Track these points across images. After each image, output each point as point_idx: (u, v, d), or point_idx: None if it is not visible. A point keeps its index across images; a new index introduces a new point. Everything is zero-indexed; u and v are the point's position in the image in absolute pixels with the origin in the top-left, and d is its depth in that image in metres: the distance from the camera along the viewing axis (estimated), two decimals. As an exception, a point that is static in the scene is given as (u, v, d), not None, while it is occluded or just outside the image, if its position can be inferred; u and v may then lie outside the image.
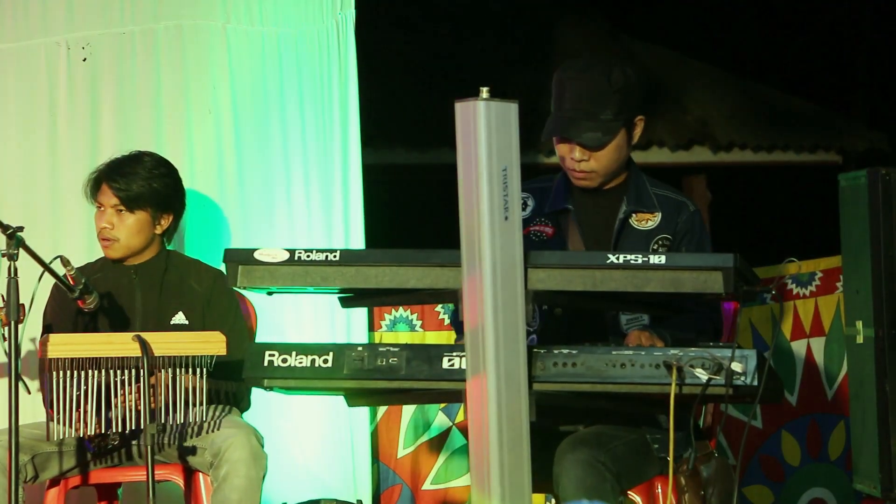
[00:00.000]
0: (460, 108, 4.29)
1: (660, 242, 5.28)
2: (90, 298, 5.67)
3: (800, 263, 6.76)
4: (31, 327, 5.76)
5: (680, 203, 5.35)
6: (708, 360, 4.47)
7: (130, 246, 5.96)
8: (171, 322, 5.94)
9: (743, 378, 4.47)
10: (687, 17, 15.37)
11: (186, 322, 5.94)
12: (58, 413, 5.45)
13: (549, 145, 5.07)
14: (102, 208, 5.94)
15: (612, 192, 5.33)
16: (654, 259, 4.48)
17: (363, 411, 6.54)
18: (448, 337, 6.26)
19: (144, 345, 5.41)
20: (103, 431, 5.50)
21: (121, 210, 5.92)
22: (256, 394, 5.93)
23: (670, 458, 4.67)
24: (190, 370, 5.50)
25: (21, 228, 5.37)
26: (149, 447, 5.37)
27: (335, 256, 4.65)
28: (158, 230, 5.99)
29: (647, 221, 5.31)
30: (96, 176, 5.96)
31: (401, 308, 6.64)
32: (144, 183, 5.93)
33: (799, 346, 6.74)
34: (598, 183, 5.29)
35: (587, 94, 5.19)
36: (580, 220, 5.32)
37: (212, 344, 5.52)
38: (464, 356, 4.42)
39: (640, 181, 5.35)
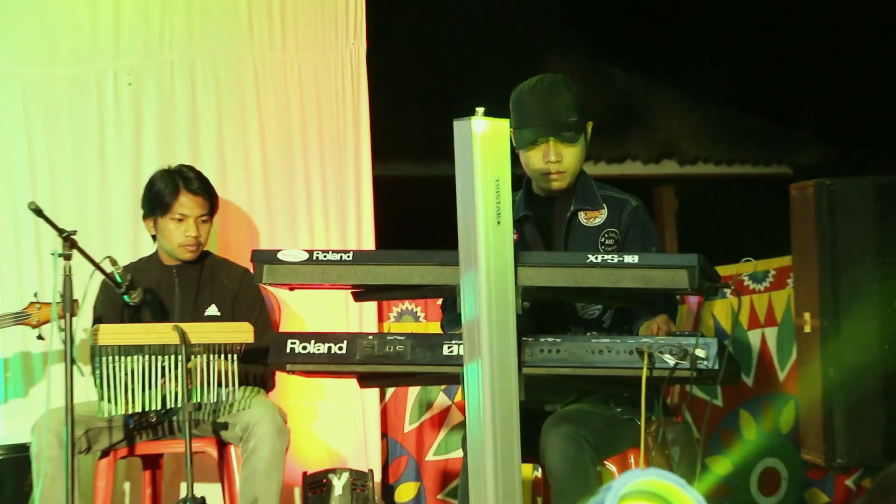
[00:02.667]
0: (458, 126, 4.30)
1: (607, 236, 5.30)
2: (135, 293, 5.68)
3: (755, 263, 6.76)
4: (84, 319, 5.79)
5: (623, 200, 5.36)
6: (675, 346, 4.48)
7: (203, 248, 6.00)
8: (205, 314, 5.95)
9: (706, 363, 4.48)
10: (657, 47, 15.34)
11: (218, 314, 5.95)
12: (107, 393, 5.47)
13: (514, 157, 5.10)
14: (185, 219, 5.92)
15: (564, 196, 5.35)
16: (628, 259, 4.50)
17: (373, 392, 6.54)
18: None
19: (182, 334, 5.42)
20: (146, 409, 5.52)
21: (204, 219, 5.93)
22: (280, 376, 5.94)
23: (642, 433, 4.68)
24: (222, 356, 5.51)
25: (74, 232, 5.38)
26: (187, 423, 5.38)
27: (349, 257, 4.65)
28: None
29: (594, 218, 5.33)
30: (174, 187, 5.93)
31: (406, 301, 6.64)
32: (213, 192, 5.97)
33: (754, 335, 6.74)
34: (567, 183, 5.29)
35: (554, 102, 5.22)
36: (538, 224, 5.34)
37: (241, 333, 5.53)
38: (461, 344, 4.42)
39: (587, 184, 5.37)
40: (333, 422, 6.59)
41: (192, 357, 5.47)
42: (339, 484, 6.22)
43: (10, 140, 6.42)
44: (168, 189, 5.93)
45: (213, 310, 5.97)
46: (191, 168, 6.02)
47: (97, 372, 5.49)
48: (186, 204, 5.92)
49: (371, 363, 4.68)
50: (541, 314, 5.18)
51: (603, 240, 5.29)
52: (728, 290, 6.41)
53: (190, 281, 6.00)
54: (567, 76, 5.34)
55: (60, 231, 5.37)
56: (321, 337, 4.70)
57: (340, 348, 4.67)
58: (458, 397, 6.55)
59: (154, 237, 6.01)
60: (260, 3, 6.68)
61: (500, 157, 4.29)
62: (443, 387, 6.56)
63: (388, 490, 6.62)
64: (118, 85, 6.55)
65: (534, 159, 5.27)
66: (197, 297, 5.98)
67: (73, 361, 5.27)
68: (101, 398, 5.50)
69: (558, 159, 5.25)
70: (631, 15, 15.62)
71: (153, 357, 5.46)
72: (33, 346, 6.27)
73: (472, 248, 4.27)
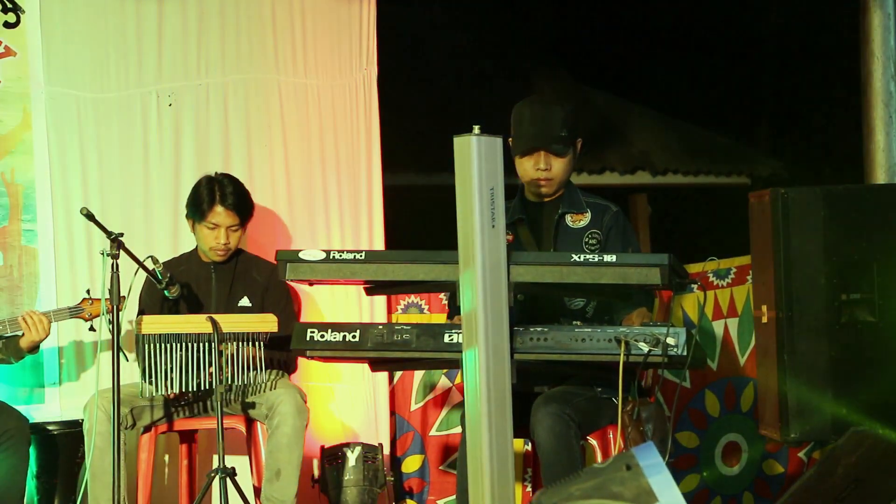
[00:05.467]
0: (458, 141, 4.28)
1: (590, 236, 5.31)
2: (174, 289, 5.67)
3: (719, 261, 6.75)
4: (129, 311, 5.76)
5: (605, 206, 5.39)
6: (648, 335, 4.47)
7: (233, 251, 5.98)
8: (238, 305, 5.94)
9: (675, 349, 4.47)
10: (632, 72, 15.34)
11: (250, 305, 5.94)
12: (149, 376, 5.45)
13: (509, 169, 5.10)
14: (216, 227, 5.91)
15: (553, 202, 5.37)
16: (608, 258, 4.49)
17: (383, 375, 6.52)
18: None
19: (215, 324, 5.41)
20: (184, 390, 5.50)
21: (235, 229, 5.92)
22: (301, 361, 5.92)
23: (619, 411, 4.66)
24: (250, 343, 5.50)
25: (121, 234, 5.37)
26: (219, 402, 5.37)
27: (361, 256, 4.64)
28: (243, 235, 6.02)
29: (579, 221, 5.35)
30: (210, 200, 5.92)
31: (412, 295, 6.61)
32: (246, 202, 5.95)
33: (718, 325, 6.71)
34: (553, 189, 5.32)
35: (548, 118, 5.23)
36: (530, 226, 5.35)
37: (267, 323, 5.52)
38: (461, 333, 4.40)
39: (573, 192, 5.39)
40: (348, 401, 6.57)
41: (224, 344, 5.45)
42: (352, 456, 6.19)
43: (66, 153, 6.40)
44: (206, 199, 5.92)
45: (245, 301, 5.96)
46: (232, 180, 5.99)
47: (140, 358, 5.48)
48: (220, 215, 5.90)
49: (381, 350, 4.66)
50: (532, 306, 5.17)
51: (587, 240, 5.29)
52: (695, 286, 6.39)
53: (225, 275, 5.99)
54: (563, 100, 5.35)
55: (109, 233, 5.36)
56: (337, 327, 4.68)
57: (354, 337, 4.66)
58: (457, 380, 6.53)
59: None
60: (284, 34, 6.67)
61: (495, 169, 4.28)
62: (444, 371, 6.53)
63: (395, 462, 6.60)
64: (160, 105, 6.54)
65: (526, 166, 5.29)
66: (231, 289, 5.97)
67: (119, 349, 5.26)
68: (144, 381, 5.49)
69: (547, 167, 5.26)
70: (608, 43, 15.63)
71: (190, 344, 5.45)
72: (85, 336, 6.25)
73: (470, 248, 4.25)
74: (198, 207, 5.93)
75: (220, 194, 5.91)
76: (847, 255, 5.49)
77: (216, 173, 6.05)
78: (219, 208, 5.90)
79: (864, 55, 6.68)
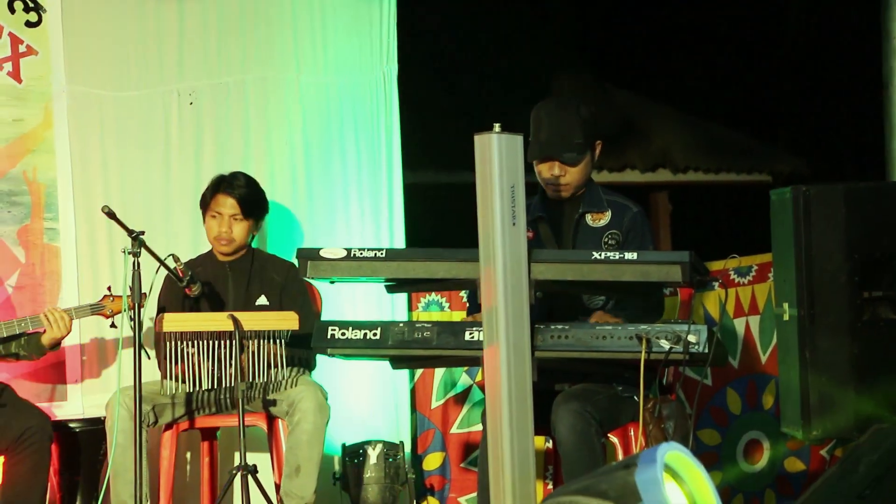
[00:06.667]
0: (478, 139, 4.28)
1: (610, 236, 5.30)
2: (195, 287, 5.66)
3: (740, 259, 6.72)
4: (150, 309, 5.77)
5: (625, 206, 5.37)
6: (670, 333, 4.47)
7: (239, 245, 5.97)
8: (256, 304, 5.93)
9: (697, 347, 4.46)
10: (654, 71, 15.32)
11: (267, 303, 5.93)
12: (170, 373, 5.45)
13: (530, 166, 5.09)
14: (219, 216, 5.92)
15: (574, 200, 5.35)
16: (628, 255, 4.48)
17: (404, 373, 6.52)
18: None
19: (236, 322, 5.40)
20: (205, 388, 5.50)
21: (237, 217, 5.91)
22: (321, 359, 5.91)
23: (641, 409, 4.65)
24: (271, 341, 5.49)
25: (142, 233, 5.37)
26: (240, 400, 5.37)
27: (382, 254, 4.63)
28: (255, 233, 6.00)
29: (599, 220, 5.33)
30: (214, 189, 5.94)
31: (433, 293, 6.60)
32: (257, 196, 5.94)
33: (739, 323, 6.69)
34: (569, 193, 5.31)
35: (563, 124, 5.22)
36: (551, 224, 5.33)
37: (288, 321, 5.51)
38: (481, 330, 4.39)
39: (595, 190, 5.37)
40: (369, 399, 6.56)
41: (245, 342, 5.45)
42: (373, 454, 6.19)
43: (87, 152, 6.42)
44: (211, 189, 5.95)
45: (262, 300, 5.95)
46: (243, 175, 6.00)
47: (161, 355, 5.49)
48: (220, 202, 5.91)
49: (402, 347, 4.66)
50: (552, 303, 5.15)
51: (606, 239, 5.28)
52: (716, 283, 6.37)
53: (241, 275, 5.98)
54: (582, 100, 5.32)
55: (130, 231, 5.36)
56: (358, 324, 4.69)
57: (375, 334, 4.66)
58: (478, 377, 6.52)
59: None
60: (304, 33, 6.67)
61: (515, 167, 4.27)
62: (465, 368, 6.53)
63: (417, 459, 6.59)
64: (181, 104, 6.54)
65: (542, 170, 5.28)
66: (248, 288, 5.97)
67: (141, 347, 5.26)
68: (165, 378, 5.49)
69: (562, 174, 5.25)
70: (631, 42, 15.61)
71: (210, 342, 5.45)
72: (107, 333, 6.26)
73: (491, 246, 4.24)
74: (204, 198, 5.97)
75: (224, 184, 5.93)
76: (869, 252, 5.46)
77: (228, 172, 6.06)
78: (221, 197, 5.91)
79: (885, 51, 6.65)
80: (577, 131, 5.21)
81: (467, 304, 5.84)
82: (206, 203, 5.97)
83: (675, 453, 3.35)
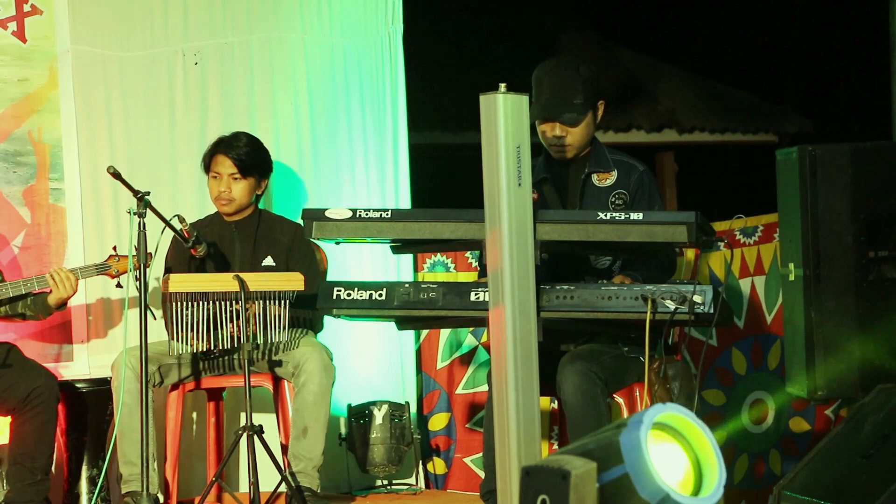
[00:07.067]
0: (484, 99, 4.26)
1: (616, 196, 5.29)
2: (200, 248, 5.66)
3: (746, 219, 6.72)
4: (156, 269, 5.76)
5: (632, 165, 5.36)
6: (675, 293, 4.46)
7: (242, 204, 5.96)
8: (262, 265, 5.93)
9: (702, 307, 4.46)
10: (659, 29, 15.28)
11: (274, 264, 5.93)
12: (176, 334, 5.46)
13: (535, 127, 5.09)
14: (219, 176, 5.92)
15: (579, 161, 5.34)
16: (634, 216, 4.48)
17: (409, 333, 6.52)
18: (474, 276, 6.23)
19: (242, 282, 5.40)
20: (210, 348, 5.51)
21: (236, 177, 5.90)
22: (327, 320, 5.91)
23: (646, 369, 4.65)
24: (277, 302, 5.49)
25: (148, 193, 5.36)
26: (245, 360, 5.37)
27: (388, 214, 4.63)
28: (258, 192, 5.99)
29: (605, 180, 5.32)
30: (213, 150, 5.95)
31: (438, 254, 6.60)
32: (254, 155, 5.93)
33: (745, 283, 6.69)
34: (572, 154, 5.30)
35: (563, 85, 5.20)
36: (556, 185, 5.33)
37: (293, 282, 5.51)
38: (487, 291, 4.39)
39: (600, 150, 5.36)
40: (374, 360, 6.57)
41: (251, 303, 5.45)
42: (379, 414, 6.21)
43: (92, 112, 6.41)
44: (209, 151, 5.96)
45: (268, 261, 5.95)
46: (241, 135, 5.99)
47: (167, 316, 5.49)
48: (219, 163, 5.92)
49: (407, 308, 4.67)
50: (557, 264, 5.15)
51: (613, 199, 5.27)
52: (722, 244, 6.37)
53: (247, 235, 5.98)
54: (583, 59, 5.30)
55: (136, 192, 5.35)
56: (363, 285, 4.69)
57: (380, 295, 4.66)
58: (483, 338, 6.52)
59: None
60: (309, -8, 6.65)
61: (521, 127, 4.26)
62: (471, 329, 6.53)
63: (422, 420, 6.60)
64: (186, 64, 6.53)
65: (544, 132, 5.27)
66: (254, 249, 5.96)
67: (147, 307, 5.26)
68: (171, 339, 5.49)
69: (563, 135, 5.24)
70: (638, 1, 15.56)
71: (216, 303, 5.45)
72: (112, 294, 6.27)
73: (496, 206, 4.23)
74: (204, 159, 5.99)
75: (223, 145, 5.93)
76: (875, 212, 5.46)
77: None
78: (219, 157, 5.92)
79: (892, 11, 6.63)
80: (578, 92, 5.20)
81: (478, 269, 5.83)
82: (206, 164, 5.97)
83: (672, 414, 3.35)
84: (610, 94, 5.39)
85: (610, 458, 3.24)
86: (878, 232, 5.46)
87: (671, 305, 4.46)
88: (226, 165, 5.90)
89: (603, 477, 3.23)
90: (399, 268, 6.56)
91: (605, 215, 4.49)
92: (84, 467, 5.95)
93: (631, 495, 3.21)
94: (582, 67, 5.25)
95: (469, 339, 6.60)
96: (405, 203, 6.63)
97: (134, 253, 5.35)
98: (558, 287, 4.52)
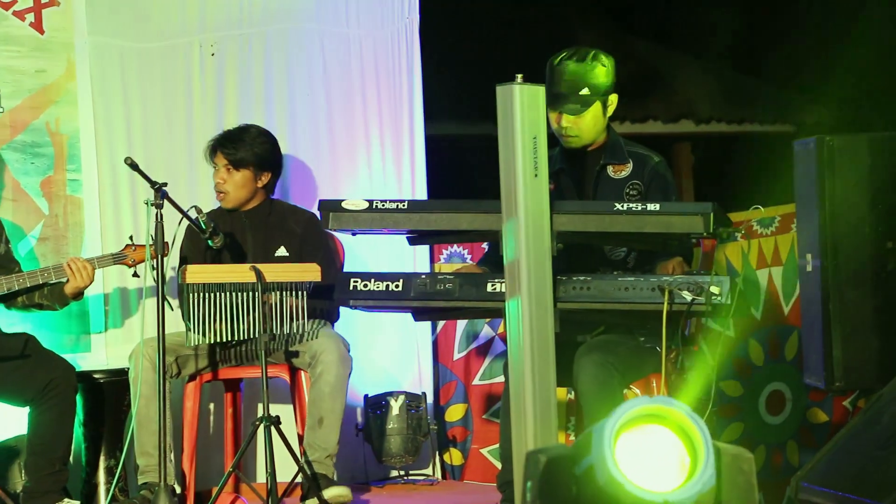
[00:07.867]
0: (500, 90, 4.26)
1: (631, 187, 5.28)
2: (217, 238, 5.67)
3: (763, 210, 6.69)
4: (173, 260, 5.78)
5: (647, 157, 5.34)
6: (692, 284, 4.46)
7: (238, 197, 5.96)
8: (275, 255, 5.94)
9: (719, 298, 4.45)
10: (676, 20, 15.25)
11: (287, 254, 5.94)
12: (193, 325, 5.46)
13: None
14: (216, 168, 5.95)
15: (595, 152, 5.33)
16: (651, 206, 4.47)
17: (426, 324, 6.52)
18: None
19: (259, 273, 5.40)
20: (228, 339, 5.51)
21: (230, 169, 5.91)
22: (344, 311, 5.92)
23: (663, 360, 4.65)
24: (293, 293, 5.49)
25: (165, 184, 5.38)
26: (262, 351, 5.38)
27: (404, 205, 4.64)
28: (260, 184, 5.98)
29: (620, 172, 5.32)
30: (212, 143, 5.97)
31: (455, 245, 6.60)
32: (248, 148, 5.92)
33: (762, 274, 6.67)
34: (580, 144, 5.29)
35: (571, 76, 5.19)
36: (572, 176, 5.32)
37: (310, 273, 5.51)
38: (503, 282, 4.39)
39: (616, 141, 5.35)
40: (391, 350, 6.57)
41: (267, 294, 5.45)
42: (396, 405, 6.21)
43: (109, 103, 6.42)
44: (211, 142, 6.02)
45: (282, 251, 5.96)
46: (241, 127, 6.02)
47: (184, 307, 5.49)
48: (218, 155, 5.96)
49: (424, 299, 4.67)
50: (573, 256, 5.15)
51: (628, 190, 5.26)
52: (739, 234, 6.35)
53: (259, 225, 5.99)
54: (598, 52, 5.29)
55: (153, 183, 5.37)
56: (380, 276, 4.69)
57: (397, 286, 4.66)
58: (500, 329, 6.52)
59: None
60: (326, -17, 6.66)
61: (537, 118, 4.26)
62: (487, 320, 6.52)
63: (439, 411, 6.61)
64: (203, 55, 6.54)
65: (552, 120, 5.26)
66: (267, 239, 5.97)
67: (163, 297, 5.27)
68: (189, 329, 5.50)
69: (569, 125, 5.23)
70: (652, -9, 15.54)
71: (233, 294, 5.45)
72: (130, 283, 6.27)
73: (513, 197, 4.23)
74: (208, 150, 6.03)
75: (219, 137, 5.99)
76: (892, 202, 5.44)
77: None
78: (216, 150, 5.97)
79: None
80: (584, 83, 5.20)
81: (483, 252, 5.83)
82: (208, 157, 6.01)
83: (654, 405, 3.38)
84: (623, 87, 5.37)
85: (582, 447, 3.34)
86: (896, 222, 5.45)
87: (688, 296, 4.45)
88: (219, 158, 5.93)
89: (581, 465, 3.33)
90: (415, 259, 6.56)
91: (622, 206, 4.49)
92: (101, 458, 5.96)
93: (595, 483, 3.27)
94: (595, 60, 5.24)
95: (486, 330, 6.60)
96: (421, 194, 6.63)
97: (151, 243, 5.37)
98: (575, 278, 4.52)
